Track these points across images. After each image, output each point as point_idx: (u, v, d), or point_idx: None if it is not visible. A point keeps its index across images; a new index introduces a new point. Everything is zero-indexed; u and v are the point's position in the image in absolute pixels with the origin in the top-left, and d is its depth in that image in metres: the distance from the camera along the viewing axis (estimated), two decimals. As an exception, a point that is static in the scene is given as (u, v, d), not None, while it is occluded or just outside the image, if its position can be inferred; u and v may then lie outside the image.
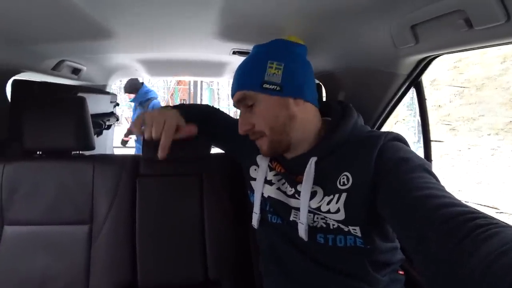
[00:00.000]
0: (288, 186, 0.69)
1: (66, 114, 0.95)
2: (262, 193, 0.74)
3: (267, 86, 0.62)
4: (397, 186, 0.51)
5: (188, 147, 1.00)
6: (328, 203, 0.61)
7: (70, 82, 1.45)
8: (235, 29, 0.89)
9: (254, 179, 0.76)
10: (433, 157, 0.93)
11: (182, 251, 0.95)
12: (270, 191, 0.72)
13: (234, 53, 1.16)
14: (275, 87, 0.62)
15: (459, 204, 0.43)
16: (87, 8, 0.70)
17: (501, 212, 3.92)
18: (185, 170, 1.02)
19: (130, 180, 0.98)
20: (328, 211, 0.61)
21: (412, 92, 0.91)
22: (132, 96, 2.65)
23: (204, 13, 0.75)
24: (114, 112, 1.96)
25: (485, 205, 4.06)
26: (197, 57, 1.38)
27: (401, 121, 6.08)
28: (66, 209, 0.93)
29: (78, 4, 0.67)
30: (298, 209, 0.65)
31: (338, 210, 0.60)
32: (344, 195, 0.59)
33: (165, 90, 14.91)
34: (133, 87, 2.61)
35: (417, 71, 0.82)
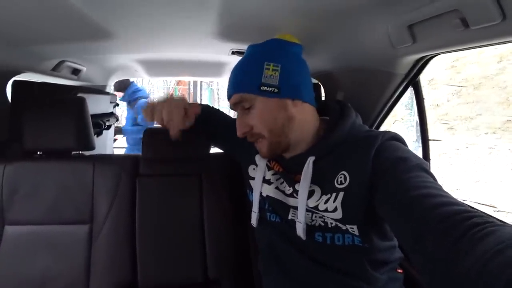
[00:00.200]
0: (287, 185, 0.69)
1: (66, 114, 0.96)
2: (261, 192, 0.74)
3: (265, 88, 0.62)
4: (394, 186, 0.51)
5: (187, 147, 1.00)
6: (326, 202, 0.62)
7: (70, 82, 1.45)
8: (234, 29, 0.89)
9: (253, 178, 0.76)
10: (431, 156, 0.93)
11: (182, 250, 0.95)
12: (269, 191, 0.73)
13: (233, 53, 1.17)
14: (273, 89, 0.62)
15: (456, 203, 0.44)
16: (86, 9, 0.71)
17: (498, 211, 3.93)
18: (184, 170, 1.02)
19: (130, 180, 0.99)
20: (326, 210, 0.62)
21: (410, 92, 0.92)
22: (121, 94, 2.57)
23: (203, 13, 0.75)
24: (114, 112, 1.96)
25: (483, 204, 4.08)
26: (196, 57, 1.38)
27: (400, 121, 6.09)
28: (66, 209, 0.94)
29: (78, 5, 0.67)
30: (296, 208, 0.65)
31: (335, 209, 0.60)
32: (341, 194, 0.60)
33: (164, 91, 14.87)
34: (122, 85, 2.51)
35: (415, 70, 0.82)
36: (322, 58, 1.06)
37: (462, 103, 5.65)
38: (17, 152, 1.04)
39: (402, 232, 0.48)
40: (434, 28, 0.60)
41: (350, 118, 0.66)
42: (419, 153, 0.78)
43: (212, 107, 0.97)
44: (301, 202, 0.63)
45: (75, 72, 1.37)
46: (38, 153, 1.02)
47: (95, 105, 1.60)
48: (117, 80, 2.11)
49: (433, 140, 5.49)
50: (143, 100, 2.56)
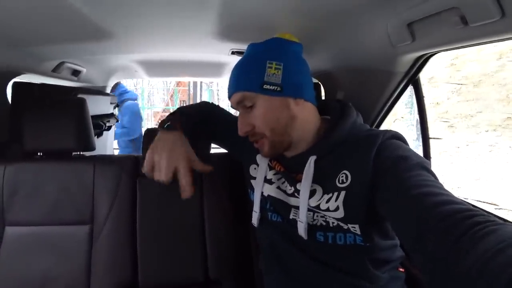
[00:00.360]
0: (288, 184, 0.69)
1: (66, 115, 0.96)
2: (262, 192, 0.74)
3: (268, 87, 0.61)
4: (395, 184, 0.51)
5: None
6: (327, 201, 0.61)
7: (70, 83, 1.46)
8: (233, 29, 0.89)
9: (254, 178, 0.76)
10: (432, 154, 0.93)
11: (182, 250, 0.95)
12: (270, 190, 0.72)
13: (233, 53, 1.17)
14: (276, 87, 0.61)
15: (457, 201, 0.43)
16: (86, 10, 0.71)
17: (500, 208, 3.93)
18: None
19: (130, 180, 0.99)
20: (327, 209, 0.61)
21: (410, 90, 0.92)
22: None
23: (203, 13, 0.75)
24: (114, 113, 1.96)
25: (484, 202, 4.07)
26: (196, 57, 1.39)
27: (400, 119, 6.09)
28: (67, 210, 0.94)
29: (78, 6, 0.67)
30: (297, 207, 0.65)
31: (337, 208, 0.60)
32: (343, 193, 0.60)
33: (164, 92, 14.88)
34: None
35: (415, 69, 0.82)
36: (322, 58, 1.06)
37: (462, 101, 5.65)
38: (17, 153, 1.04)
39: (403, 231, 0.47)
40: (434, 26, 0.60)
41: (351, 118, 0.66)
42: (419, 151, 0.78)
43: (212, 104, 0.96)
44: (302, 201, 0.63)
45: (75, 73, 1.37)
46: (38, 154, 1.02)
47: (95, 106, 1.60)
48: (117, 81, 2.11)
49: (434, 138, 5.49)
50: (131, 103, 2.54)
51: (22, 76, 1.13)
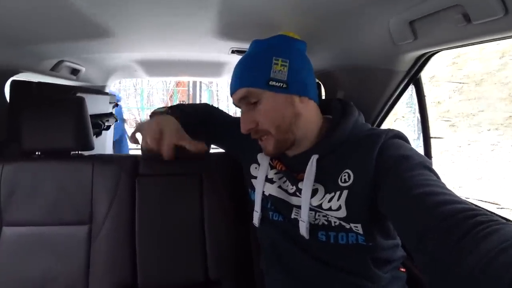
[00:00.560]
0: (289, 184, 0.69)
1: (65, 114, 0.95)
2: (263, 191, 0.73)
3: (274, 83, 0.60)
4: (398, 184, 0.51)
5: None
6: (330, 201, 0.61)
7: (69, 82, 1.45)
8: (234, 28, 0.89)
9: (255, 177, 0.76)
10: (433, 154, 0.93)
11: (182, 251, 0.95)
12: (271, 189, 0.72)
13: (233, 52, 1.16)
14: (282, 84, 0.61)
15: (459, 201, 0.43)
16: (85, 8, 0.70)
17: (502, 208, 3.92)
18: (184, 170, 1.02)
19: (129, 180, 0.98)
20: (330, 209, 0.61)
21: (411, 89, 0.91)
22: None
23: (203, 11, 0.75)
24: (113, 112, 1.96)
25: (486, 201, 4.06)
26: (196, 57, 1.38)
27: (401, 118, 6.08)
28: (66, 210, 0.93)
29: (77, 4, 0.67)
30: (299, 207, 0.65)
31: (339, 208, 0.60)
32: (345, 192, 0.59)
33: (164, 92, 14.90)
34: None
35: (416, 67, 0.82)
36: (323, 57, 1.05)
37: (464, 99, 5.64)
38: (15, 152, 1.04)
39: (405, 231, 0.47)
40: (436, 24, 0.59)
41: (352, 117, 0.66)
42: (420, 151, 0.77)
43: (211, 105, 0.96)
44: (304, 201, 0.63)
45: (74, 72, 1.37)
46: (36, 153, 1.02)
47: (94, 105, 1.60)
48: (117, 81, 2.11)
49: (435, 137, 5.48)
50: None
51: (21, 74, 1.13)
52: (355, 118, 0.66)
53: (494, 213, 0.53)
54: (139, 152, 1.05)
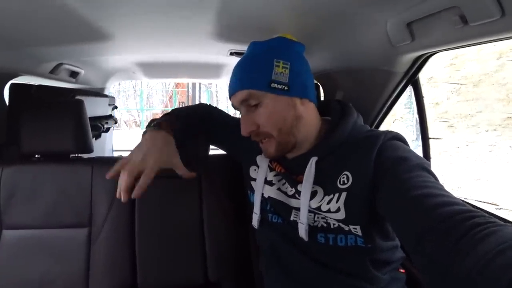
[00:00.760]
0: (289, 186, 0.69)
1: (64, 117, 0.95)
2: (262, 194, 0.73)
3: (275, 85, 0.60)
4: (396, 186, 0.51)
5: (187, 148, 1.00)
6: (328, 203, 0.61)
7: (68, 85, 1.45)
8: (232, 30, 0.89)
9: (254, 180, 0.76)
10: (431, 155, 0.93)
11: (181, 253, 0.95)
12: (271, 192, 0.72)
13: (231, 54, 1.17)
14: (283, 86, 0.60)
15: (457, 203, 0.43)
16: (84, 11, 0.70)
17: (500, 208, 3.92)
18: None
19: None
20: (329, 211, 0.61)
21: (409, 90, 0.92)
22: None
23: (202, 13, 0.75)
24: (112, 115, 1.96)
25: (484, 202, 4.07)
26: (195, 58, 1.38)
27: (399, 120, 6.09)
28: (65, 213, 0.93)
29: (76, 7, 0.67)
30: (298, 209, 0.65)
31: (338, 210, 0.60)
32: (344, 194, 0.59)
33: (163, 93, 14.92)
34: None
35: (414, 68, 0.82)
36: (321, 58, 1.06)
37: (462, 100, 5.65)
38: (14, 155, 1.04)
39: (403, 232, 0.47)
40: (433, 26, 0.60)
41: (351, 118, 0.66)
42: (419, 152, 0.78)
43: (209, 105, 0.95)
44: (303, 203, 0.63)
45: (73, 74, 1.37)
46: (36, 156, 1.02)
47: (94, 107, 1.60)
48: (116, 83, 2.11)
49: (433, 138, 5.49)
50: None
51: (20, 77, 1.13)
52: (354, 120, 0.66)
53: (492, 215, 0.53)
54: None
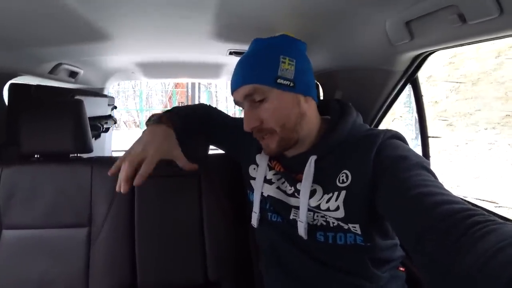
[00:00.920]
0: (288, 185, 0.69)
1: (63, 117, 0.95)
2: (262, 192, 0.74)
3: (281, 81, 0.60)
4: (395, 184, 0.51)
5: (186, 147, 1.00)
6: (328, 201, 0.61)
7: (67, 85, 1.45)
8: (231, 29, 0.89)
9: (254, 178, 0.76)
10: (431, 153, 0.93)
11: (181, 252, 0.95)
12: (270, 190, 0.72)
13: (231, 53, 1.17)
14: (289, 83, 0.61)
15: (456, 201, 0.43)
16: (83, 11, 0.70)
17: (500, 206, 3.93)
18: (183, 171, 1.02)
19: None
20: (328, 209, 0.61)
21: (408, 89, 0.92)
22: None
23: (201, 13, 0.75)
24: (112, 115, 1.96)
25: (484, 200, 4.07)
26: (194, 58, 1.38)
27: (399, 118, 6.10)
28: (65, 212, 0.93)
29: (75, 7, 0.67)
30: (298, 207, 0.65)
31: (337, 208, 0.60)
32: (343, 193, 0.59)
33: (163, 93, 14.90)
34: None
35: (413, 67, 0.82)
36: (320, 57, 1.06)
37: (461, 99, 5.65)
38: (14, 155, 1.03)
39: (403, 231, 0.47)
40: (432, 24, 0.60)
41: (351, 117, 0.66)
42: (418, 150, 0.78)
43: (209, 106, 0.96)
44: (302, 201, 0.63)
45: (73, 74, 1.36)
46: (35, 156, 1.01)
47: (93, 107, 1.59)
48: (116, 83, 2.11)
49: (433, 137, 5.49)
50: None
51: (19, 77, 1.13)
52: (353, 119, 0.66)
53: (491, 213, 0.53)
54: None
